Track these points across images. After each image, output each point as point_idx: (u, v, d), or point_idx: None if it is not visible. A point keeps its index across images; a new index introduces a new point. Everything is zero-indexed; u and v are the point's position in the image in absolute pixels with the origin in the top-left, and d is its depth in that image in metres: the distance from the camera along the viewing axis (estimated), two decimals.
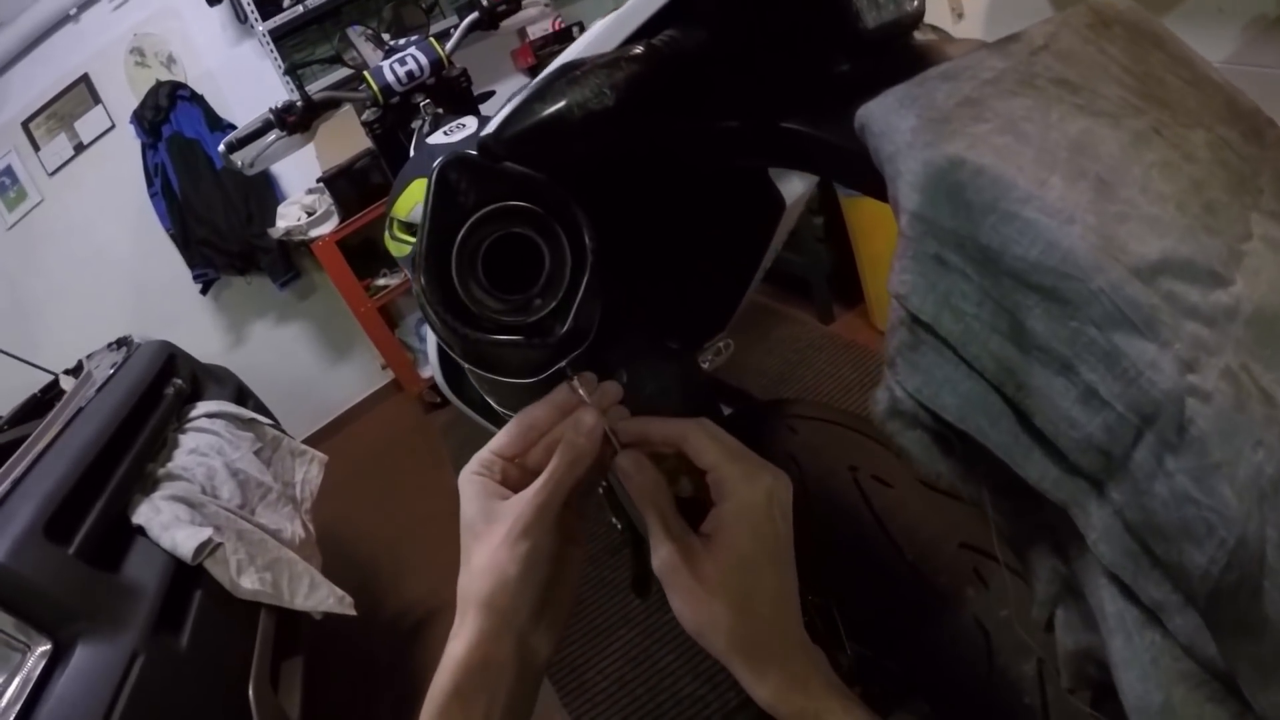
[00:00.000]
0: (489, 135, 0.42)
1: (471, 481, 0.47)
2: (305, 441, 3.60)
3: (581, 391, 0.47)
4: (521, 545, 0.43)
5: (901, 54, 0.43)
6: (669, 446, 0.47)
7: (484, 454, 0.48)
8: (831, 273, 2.65)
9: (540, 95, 0.43)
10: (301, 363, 3.76)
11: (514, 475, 0.48)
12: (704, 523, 0.46)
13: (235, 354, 3.57)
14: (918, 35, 0.45)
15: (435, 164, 0.44)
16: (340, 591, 1.61)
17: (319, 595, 1.57)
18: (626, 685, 1.82)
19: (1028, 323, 0.26)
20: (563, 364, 0.47)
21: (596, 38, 0.50)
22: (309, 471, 1.99)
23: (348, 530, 2.71)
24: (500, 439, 0.49)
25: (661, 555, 0.45)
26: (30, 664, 1.14)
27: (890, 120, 0.30)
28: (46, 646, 1.16)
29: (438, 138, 1.33)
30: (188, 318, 3.47)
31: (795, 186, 0.83)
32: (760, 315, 2.93)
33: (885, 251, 2.31)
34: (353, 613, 1.60)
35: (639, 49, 0.46)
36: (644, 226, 0.72)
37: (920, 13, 0.43)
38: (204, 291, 3.42)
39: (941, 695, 0.70)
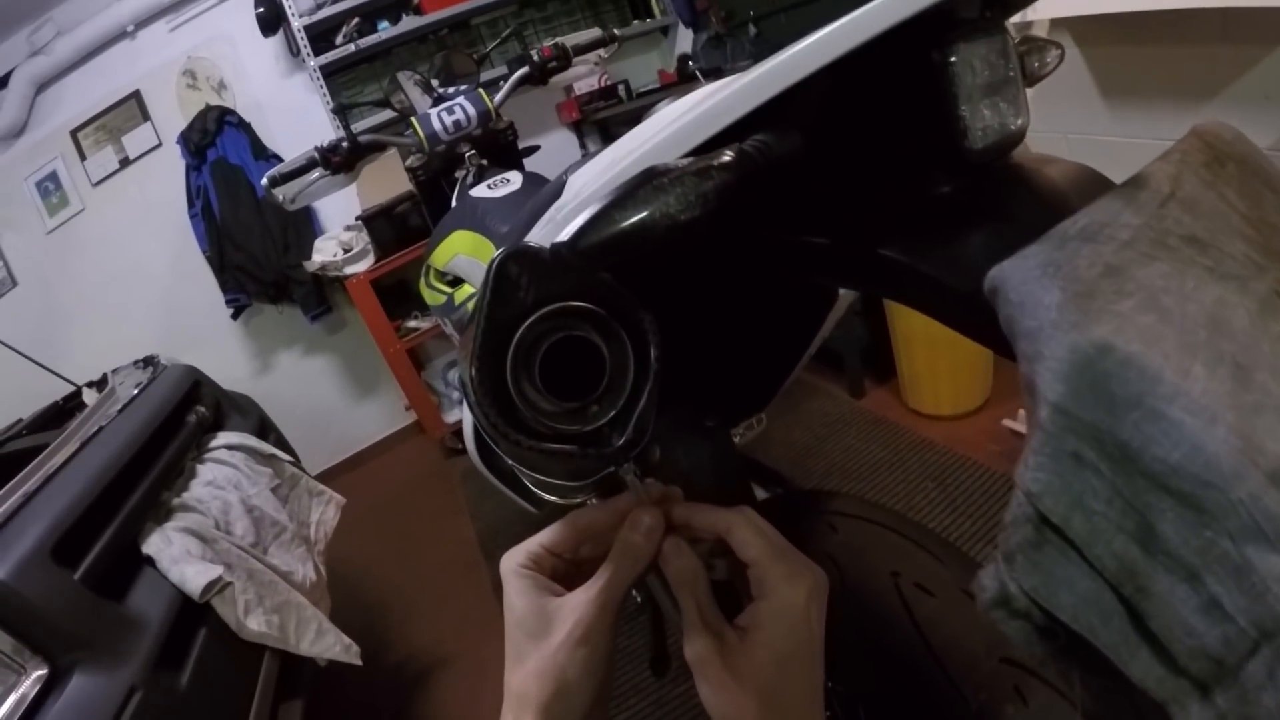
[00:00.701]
0: (564, 243, 0.40)
1: (521, 575, 0.46)
2: (323, 475, 3.67)
3: (643, 493, 0.46)
4: (582, 649, 0.43)
5: (1003, 176, 0.41)
6: (711, 534, 0.46)
7: (533, 548, 0.48)
8: (865, 347, 2.64)
9: (622, 203, 0.41)
10: (326, 396, 3.77)
11: (561, 569, 0.48)
12: (741, 615, 0.45)
13: (260, 381, 3.60)
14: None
15: (496, 255, 0.42)
16: (347, 640, 1.58)
17: (325, 642, 1.53)
18: None
19: (1158, 526, 0.25)
20: (623, 466, 0.45)
21: (676, 134, 0.48)
22: (325, 513, 1.97)
23: (358, 570, 2.68)
24: (553, 535, 0.48)
25: (696, 647, 0.43)
26: (25, 686, 1.10)
27: (1031, 291, 0.29)
28: (43, 671, 1.12)
29: (481, 190, 1.34)
30: (216, 340, 3.50)
31: None
32: (791, 387, 2.84)
33: (919, 329, 2.33)
34: (359, 663, 1.57)
35: (729, 155, 0.43)
36: (695, 312, 0.71)
37: (1024, 132, 0.42)
38: (235, 316, 3.45)
39: None
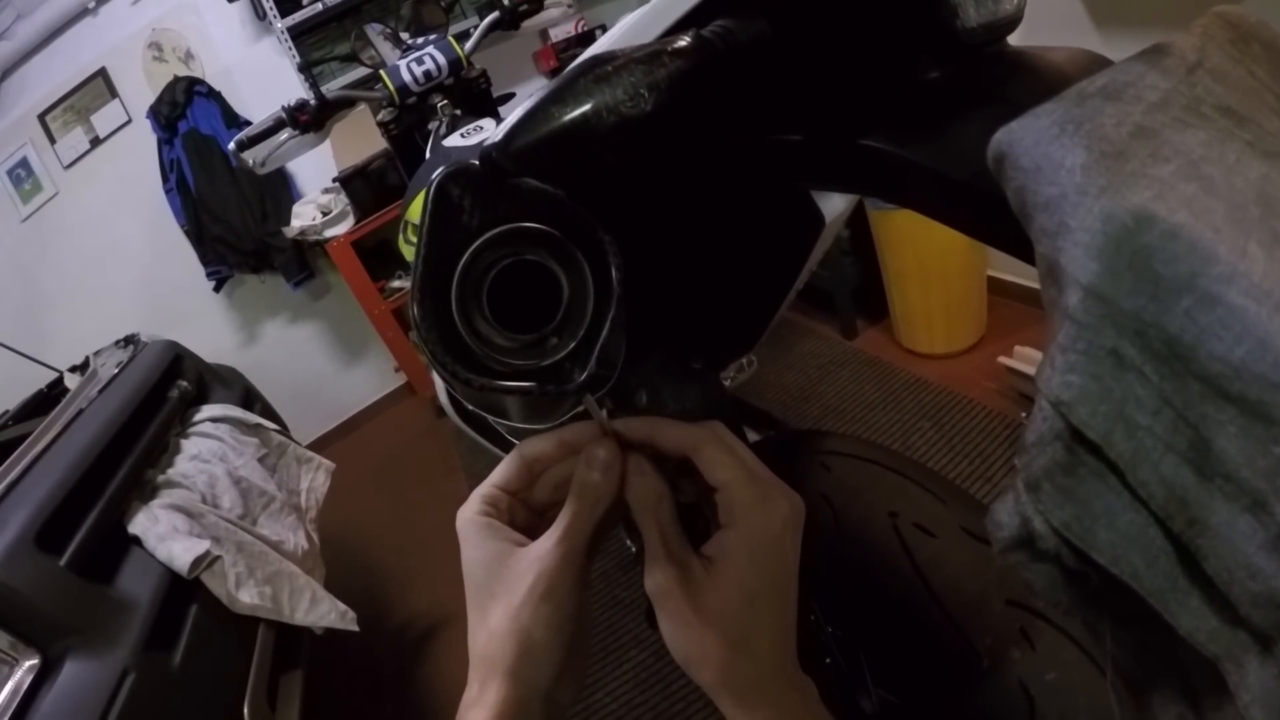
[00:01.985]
0: (495, 144, 0.35)
1: (476, 525, 0.41)
2: (315, 443, 3.65)
3: (603, 421, 0.41)
4: (546, 605, 0.39)
5: (998, 60, 0.36)
6: (678, 453, 0.41)
7: (487, 489, 0.43)
8: (856, 287, 2.61)
9: (560, 97, 0.36)
10: (314, 363, 3.73)
11: (520, 515, 0.43)
12: (708, 544, 0.41)
13: (246, 352, 3.56)
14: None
15: (434, 176, 0.38)
16: (343, 606, 1.56)
17: (320, 610, 1.51)
18: (635, 709, 1.77)
19: (1216, 443, 0.20)
20: (586, 398, 0.40)
21: (632, 27, 0.43)
22: (315, 480, 1.94)
23: (354, 536, 2.66)
24: (504, 472, 0.43)
25: (656, 577, 0.39)
26: (17, 678, 1.09)
27: (1049, 153, 0.24)
28: (34, 660, 1.11)
29: (454, 140, 1.28)
30: (200, 315, 3.46)
31: (836, 203, 0.77)
32: (781, 329, 2.88)
33: (912, 266, 2.29)
34: (355, 629, 1.55)
35: (685, 40, 0.38)
36: (671, 241, 0.66)
37: (1021, 14, 0.37)
38: (217, 289, 3.40)
39: None
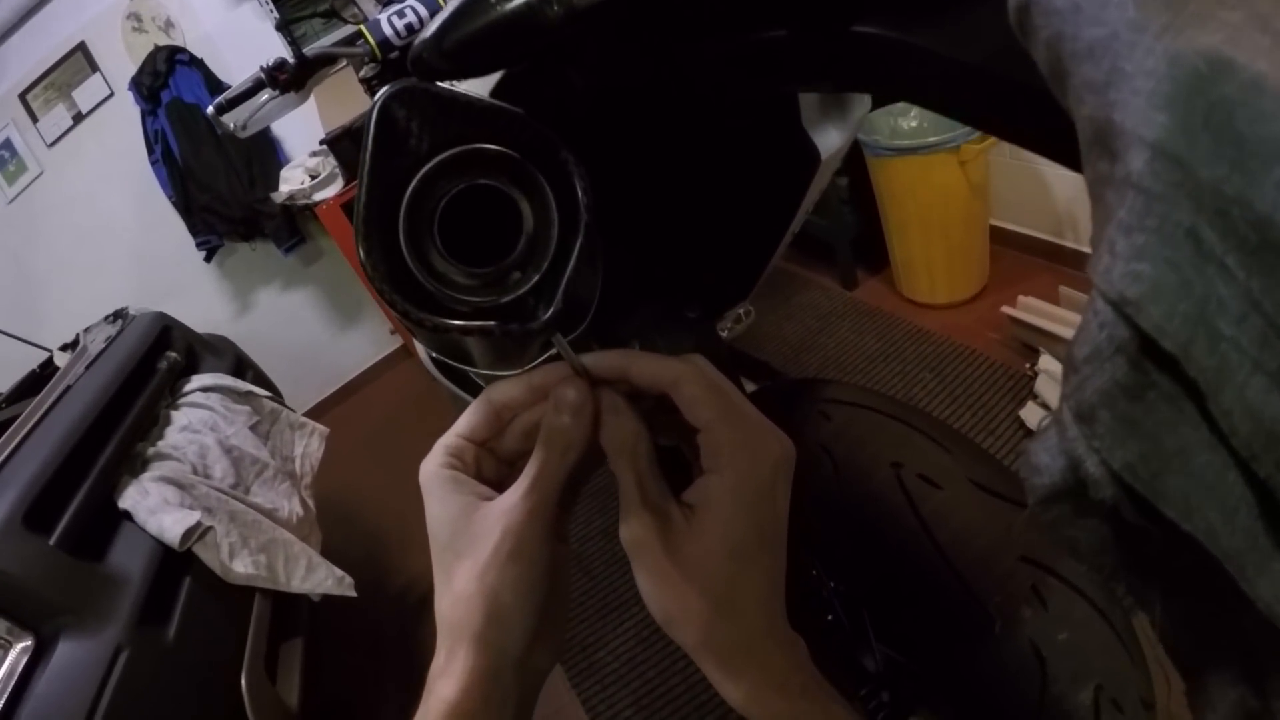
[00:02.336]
0: (426, 41, 0.31)
1: (439, 478, 0.38)
2: (313, 409, 3.63)
3: (575, 362, 0.37)
4: (514, 565, 0.35)
5: None
6: (655, 389, 0.37)
7: (450, 439, 0.39)
8: (856, 236, 2.55)
9: None
10: (309, 329, 3.68)
11: (489, 466, 0.40)
12: (690, 490, 0.37)
13: (241, 322, 3.51)
14: None
15: (378, 95, 0.34)
16: (339, 572, 1.55)
17: (317, 577, 1.50)
18: (637, 666, 1.77)
19: None
20: (555, 338, 0.36)
21: None
22: (309, 445, 1.92)
23: (354, 500, 2.65)
24: (469, 419, 0.39)
25: (632, 527, 0.36)
26: (11, 660, 1.08)
27: None
28: (28, 642, 1.10)
29: (384, 18, 1.23)
30: (192, 286, 3.41)
31: (832, 139, 0.72)
32: (780, 280, 2.83)
33: (913, 214, 2.23)
34: (353, 594, 1.54)
35: None
36: (657, 179, 0.62)
37: None
38: (208, 259, 3.35)
39: None
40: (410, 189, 0.34)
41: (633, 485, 0.36)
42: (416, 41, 0.31)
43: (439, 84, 0.35)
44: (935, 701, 0.64)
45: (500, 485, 0.38)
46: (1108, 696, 0.57)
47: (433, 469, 0.38)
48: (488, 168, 0.35)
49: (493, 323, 0.34)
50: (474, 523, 0.36)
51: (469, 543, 0.36)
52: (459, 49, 0.30)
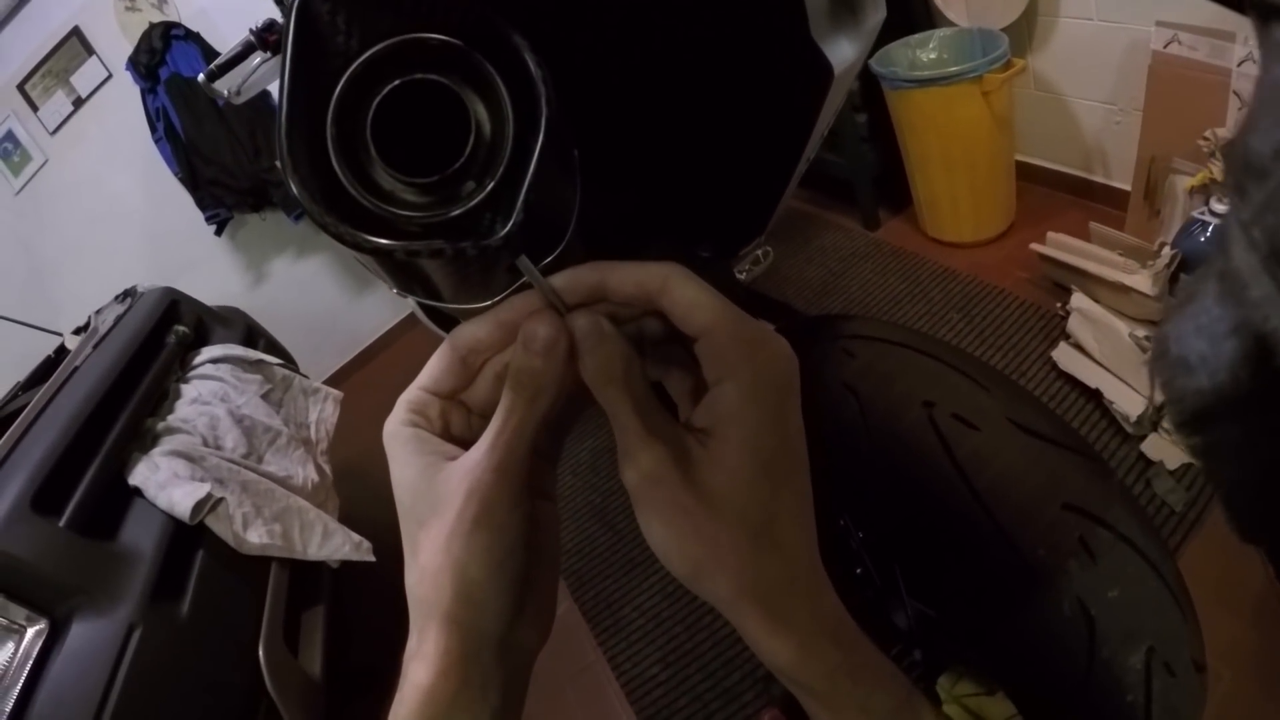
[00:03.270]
0: None
1: (400, 438, 0.33)
2: (333, 376, 3.63)
3: (546, 289, 0.32)
4: (481, 533, 0.30)
5: None
6: (641, 299, 0.32)
7: (412, 393, 0.34)
8: (877, 175, 2.47)
9: None
10: (325, 296, 3.66)
11: (458, 421, 0.34)
12: (697, 411, 0.31)
13: (256, 293, 3.50)
14: None
15: None
16: (357, 537, 1.52)
17: (334, 543, 1.48)
18: (663, 623, 1.74)
19: None
20: (520, 260, 0.31)
21: None
22: (323, 411, 1.89)
23: (375, 465, 2.63)
24: (430, 370, 0.34)
25: (641, 462, 0.30)
26: (26, 644, 1.07)
27: None
28: (42, 625, 1.10)
29: None
30: (205, 261, 3.40)
31: (845, 51, 0.65)
32: (800, 222, 2.76)
33: (935, 150, 2.15)
34: (372, 559, 1.51)
35: None
36: (653, 97, 0.56)
37: None
38: (218, 232, 3.32)
39: (1027, 689, 0.56)
40: (338, 91, 0.29)
41: (631, 414, 0.30)
42: None
43: None
44: (971, 662, 0.59)
45: (473, 443, 0.33)
46: (1159, 659, 0.52)
47: (393, 428, 0.33)
48: (429, 63, 0.29)
49: (441, 241, 0.28)
50: (436, 486, 0.31)
51: (431, 509, 0.31)
52: None
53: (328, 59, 0.29)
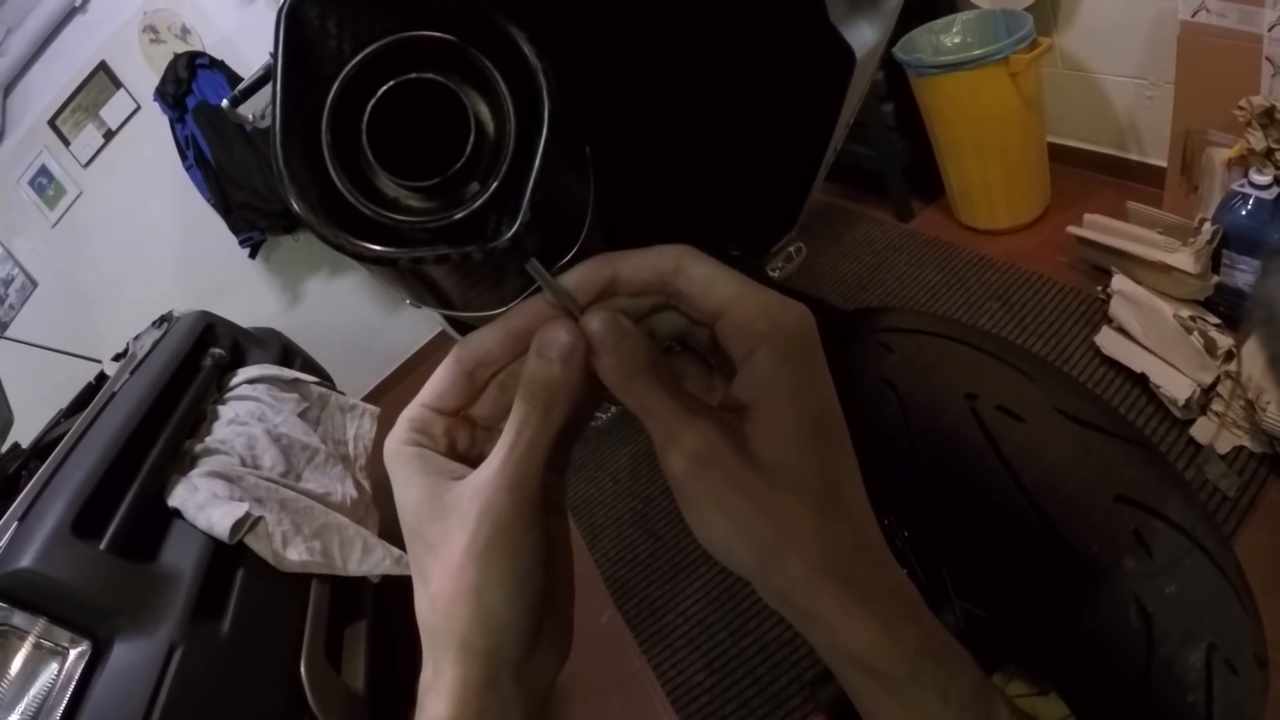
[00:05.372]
0: None
1: (403, 458, 0.31)
2: (372, 392, 3.66)
3: (557, 291, 0.30)
4: (497, 556, 0.28)
5: None
6: (652, 287, 0.30)
7: (414, 410, 0.32)
8: (907, 165, 2.43)
9: None
10: (360, 314, 3.70)
11: (464, 437, 0.33)
12: (733, 387, 0.29)
13: (293, 313, 3.55)
14: None
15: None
16: (397, 552, 1.53)
17: (373, 559, 1.48)
18: (708, 628, 1.72)
19: None
20: (530, 263, 0.30)
21: None
22: (360, 427, 1.91)
23: None
24: (434, 385, 0.32)
25: (688, 443, 0.27)
26: (69, 666, 1.09)
27: None
28: (84, 647, 1.11)
29: None
30: (241, 284, 3.45)
31: (866, 34, 0.63)
32: (832, 216, 2.74)
33: (966, 136, 2.10)
34: (410, 572, 1.51)
35: None
36: (673, 91, 0.54)
37: None
38: (253, 255, 3.37)
39: (1082, 689, 0.54)
40: (331, 96, 0.28)
41: (665, 399, 0.28)
42: None
43: None
44: (1024, 664, 0.57)
45: (481, 460, 0.31)
46: (1220, 656, 0.49)
47: (394, 446, 0.32)
48: (425, 62, 0.28)
49: (446, 247, 0.27)
50: (444, 508, 0.29)
51: (440, 533, 0.29)
52: None
53: (320, 65, 0.28)
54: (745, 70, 0.60)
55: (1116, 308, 1.75)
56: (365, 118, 0.27)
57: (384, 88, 0.27)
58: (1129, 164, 2.17)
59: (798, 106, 0.68)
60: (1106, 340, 1.75)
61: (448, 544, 0.29)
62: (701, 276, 0.29)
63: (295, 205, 0.27)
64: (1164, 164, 1.95)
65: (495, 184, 0.28)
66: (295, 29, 0.28)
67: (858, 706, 0.30)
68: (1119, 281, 1.78)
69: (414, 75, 0.28)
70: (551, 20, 0.32)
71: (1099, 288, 1.87)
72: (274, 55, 0.28)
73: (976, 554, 0.59)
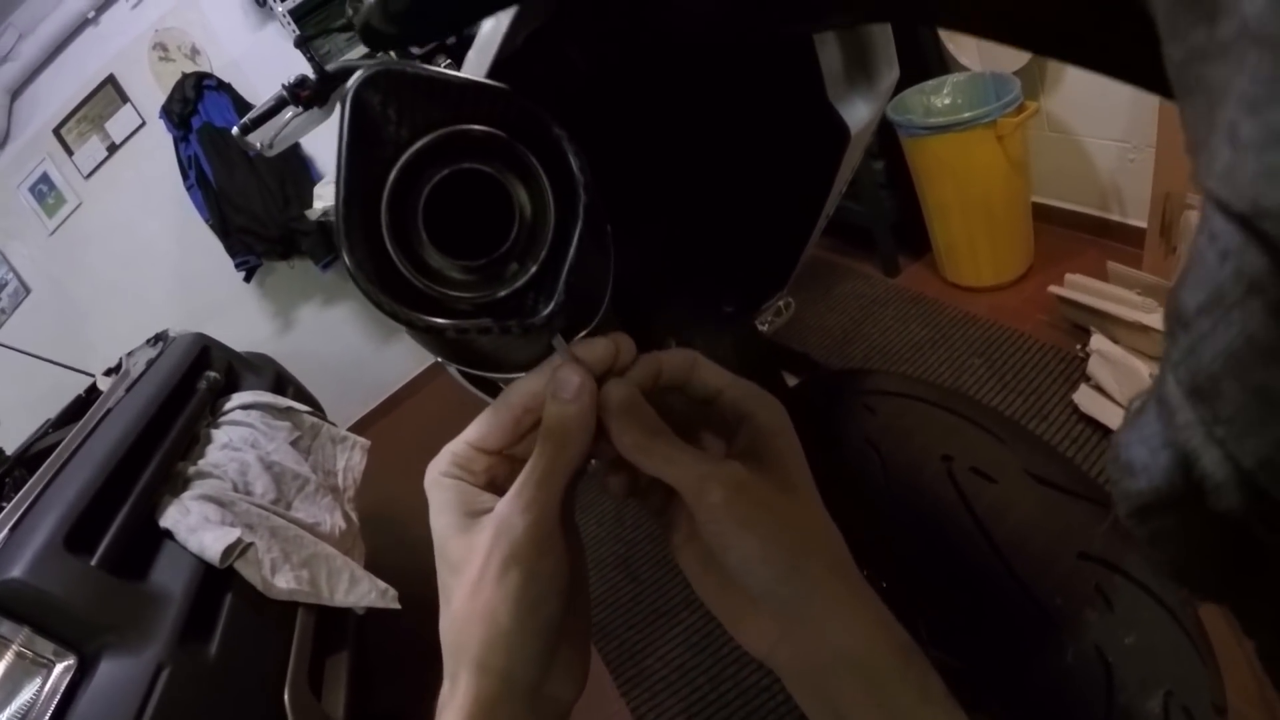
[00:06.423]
0: (370, 8, 0.28)
1: (441, 487, 0.35)
2: (358, 423, 3.65)
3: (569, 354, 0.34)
4: (512, 578, 0.31)
5: None
6: (680, 379, 0.36)
7: (459, 447, 0.36)
8: (895, 221, 2.49)
9: None
10: (351, 344, 3.71)
11: (502, 474, 0.36)
12: (736, 440, 0.36)
13: (283, 340, 3.55)
14: None
15: (350, 83, 0.31)
16: (383, 585, 1.54)
17: (360, 590, 1.49)
18: (688, 674, 1.73)
19: None
20: (556, 344, 0.34)
21: None
22: (351, 458, 1.92)
23: (399, 512, 2.65)
24: (483, 425, 0.36)
25: (724, 476, 0.32)
26: (54, 679, 1.09)
27: None
28: (70, 662, 1.11)
29: None
30: (233, 307, 3.46)
31: (860, 112, 0.68)
32: (820, 270, 2.78)
33: (952, 196, 2.16)
34: (396, 606, 1.52)
35: None
36: (678, 163, 0.58)
37: None
38: (247, 279, 3.38)
39: None
40: (391, 179, 0.31)
41: (689, 452, 0.34)
42: (362, 8, 0.28)
43: (418, 65, 0.32)
44: (993, 710, 0.59)
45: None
46: (1178, 703, 0.53)
47: (434, 476, 0.35)
48: (474, 152, 0.32)
49: (489, 320, 0.31)
50: (470, 534, 0.33)
51: (464, 556, 0.32)
52: (408, 9, 0.27)
53: (380, 146, 0.32)
54: (748, 143, 0.64)
55: (1094, 366, 1.80)
56: (422, 200, 0.31)
57: (440, 175, 0.31)
58: (1110, 224, 2.23)
59: (794, 177, 0.72)
60: (1085, 398, 1.80)
61: (468, 566, 0.32)
62: (707, 370, 0.36)
63: (354, 275, 0.31)
64: (1144, 225, 2.01)
65: (535, 268, 0.31)
66: (360, 112, 0.31)
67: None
68: (1097, 340, 1.82)
69: (467, 165, 0.32)
70: (589, 115, 0.35)
71: (1078, 346, 1.92)
72: (339, 134, 0.32)
73: (950, 605, 0.62)
